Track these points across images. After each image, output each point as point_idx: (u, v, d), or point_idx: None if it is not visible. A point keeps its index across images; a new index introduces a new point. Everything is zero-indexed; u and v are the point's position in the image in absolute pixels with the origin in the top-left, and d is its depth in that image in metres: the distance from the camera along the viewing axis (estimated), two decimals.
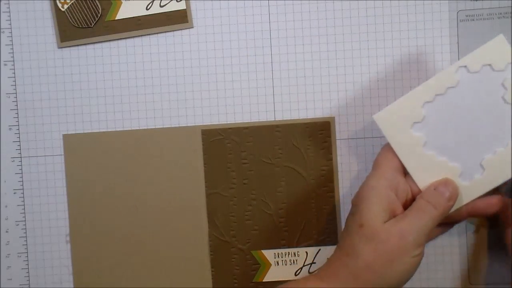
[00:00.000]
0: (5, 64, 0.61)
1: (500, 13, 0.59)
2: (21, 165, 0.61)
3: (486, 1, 0.59)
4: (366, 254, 0.49)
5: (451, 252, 0.60)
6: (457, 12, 0.59)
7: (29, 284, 0.62)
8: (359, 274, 0.49)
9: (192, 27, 0.60)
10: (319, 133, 0.60)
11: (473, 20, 0.59)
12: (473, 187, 0.52)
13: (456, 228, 0.60)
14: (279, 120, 0.60)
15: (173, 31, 0.61)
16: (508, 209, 0.54)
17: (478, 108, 0.51)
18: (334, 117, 0.60)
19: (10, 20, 0.60)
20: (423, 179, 0.52)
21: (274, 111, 0.60)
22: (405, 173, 0.53)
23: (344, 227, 0.53)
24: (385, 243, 0.49)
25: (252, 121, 0.60)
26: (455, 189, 0.52)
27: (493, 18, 0.59)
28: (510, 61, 0.50)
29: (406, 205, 0.52)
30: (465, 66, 0.50)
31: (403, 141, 0.52)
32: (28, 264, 0.61)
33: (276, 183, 0.60)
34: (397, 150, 0.52)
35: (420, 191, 0.53)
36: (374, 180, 0.52)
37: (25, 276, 0.62)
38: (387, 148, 0.53)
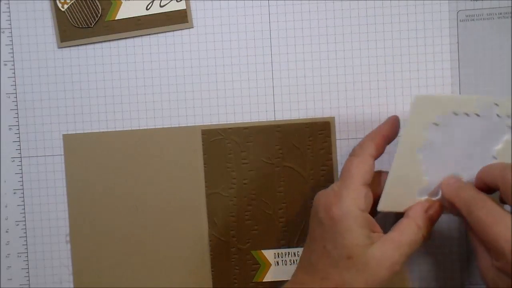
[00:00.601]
0: (5, 64, 0.61)
1: (500, 13, 0.59)
2: (21, 165, 0.61)
3: (486, 1, 0.59)
4: (357, 286, 0.48)
5: (450, 252, 0.60)
6: (457, 12, 0.59)
7: (29, 284, 0.62)
8: None
9: (192, 27, 0.60)
10: (319, 133, 0.60)
11: (473, 20, 0.59)
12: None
13: (455, 228, 0.60)
14: (279, 120, 0.60)
15: (173, 31, 0.60)
16: None
17: (477, 145, 0.51)
18: (334, 117, 0.60)
19: (10, 20, 0.60)
20: (396, 177, 0.51)
21: (274, 111, 0.60)
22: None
23: (318, 250, 0.50)
24: (376, 274, 0.48)
25: (252, 121, 0.60)
26: (439, 214, 0.51)
27: (493, 18, 0.59)
28: None
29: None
30: (497, 105, 0.49)
31: (414, 133, 0.50)
32: (28, 264, 0.61)
33: (276, 183, 0.60)
34: (404, 138, 0.50)
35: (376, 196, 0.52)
36: (350, 202, 0.49)
37: (25, 276, 0.62)
38: (362, 156, 0.51)
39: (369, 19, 0.60)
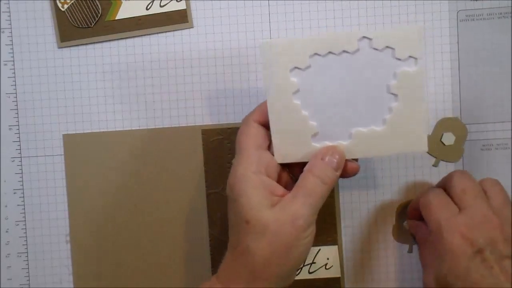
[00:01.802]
0: (5, 64, 0.61)
1: (500, 13, 0.59)
2: (21, 165, 0.61)
3: (486, 1, 0.59)
4: (261, 250, 0.46)
5: None
6: (457, 12, 0.59)
7: (29, 284, 0.62)
8: (259, 271, 0.47)
9: (192, 27, 0.60)
10: None
11: (473, 20, 0.59)
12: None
13: None
14: None
15: (173, 31, 0.60)
16: (420, 230, 0.56)
17: (363, 83, 0.49)
18: None
19: (10, 20, 0.60)
20: (279, 128, 0.50)
21: None
22: (269, 145, 0.51)
23: (229, 224, 0.50)
24: (278, 234, 0.46)
25: None
26: (342, 156, 0.49)
27: (493, 18, 0.59)
28: (414, 56, 0.47)
29: (281, 177, 0.51)
30: (370, 39, 0.48)
31: (277, 81, 0.49)
32: (28, 264, 0.61)
33: None
34: (267, 88, 0.49)
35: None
36: (242, 168, 0.48)
37: (25, 276, 0.62)
38: (247, 123, 0.51)
39: (369, 19, 0.60)
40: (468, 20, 0.59)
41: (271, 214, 0.47)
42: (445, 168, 0.59)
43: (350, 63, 0.48)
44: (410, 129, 0.49)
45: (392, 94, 0.48)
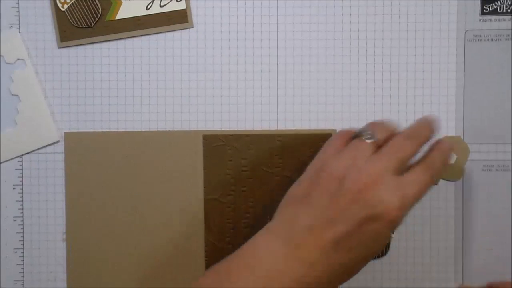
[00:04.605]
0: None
1: (508, 35, 0.59)
2: (22, 161, 0.61)
3: (494, 22, 0.59)
4: None
5: (448, 253, 0.61)
6: (465, 32, 0.59)
7: (23, 280, 0.62)
8: None
9: (192, 27, 0.60)
10: (320, 144, 0.60)
11: (480, 40, 0.59)
12: None
13: (455, 228, 0.61)
14: (281, 130, 0.60)
15: (173, 31, 0.60)
16: None
17: None
18: (336, 130, 0.60)
19: None
20: None
21: (277, 120, 0.60)
22: None
23: None
24: None
25: (254, 129, 0.60)
26: None
27: (501, 40, 0.59)
28: (21, 58, 0.53)
29: None
30: None
31: None
32: (23, 260, 0.62)
33: (275, 193, 0.60)
34: None
35: None
36: None
37: (20, 272, 0.62)
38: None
39: (377, 33, 0.59)
40: (475, 40, 0.59)
41: None
42: (445, 187, 0.60)
43: None
44: (38, 125, 0.56)
45: (15, 95, 0.55)
